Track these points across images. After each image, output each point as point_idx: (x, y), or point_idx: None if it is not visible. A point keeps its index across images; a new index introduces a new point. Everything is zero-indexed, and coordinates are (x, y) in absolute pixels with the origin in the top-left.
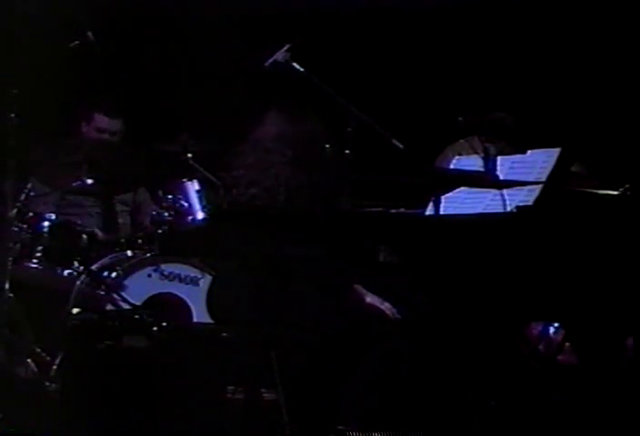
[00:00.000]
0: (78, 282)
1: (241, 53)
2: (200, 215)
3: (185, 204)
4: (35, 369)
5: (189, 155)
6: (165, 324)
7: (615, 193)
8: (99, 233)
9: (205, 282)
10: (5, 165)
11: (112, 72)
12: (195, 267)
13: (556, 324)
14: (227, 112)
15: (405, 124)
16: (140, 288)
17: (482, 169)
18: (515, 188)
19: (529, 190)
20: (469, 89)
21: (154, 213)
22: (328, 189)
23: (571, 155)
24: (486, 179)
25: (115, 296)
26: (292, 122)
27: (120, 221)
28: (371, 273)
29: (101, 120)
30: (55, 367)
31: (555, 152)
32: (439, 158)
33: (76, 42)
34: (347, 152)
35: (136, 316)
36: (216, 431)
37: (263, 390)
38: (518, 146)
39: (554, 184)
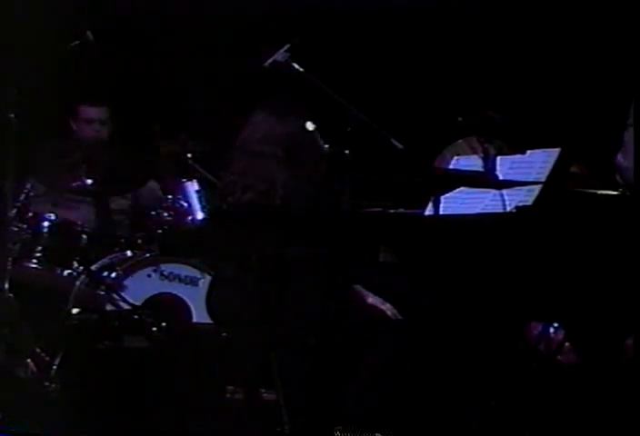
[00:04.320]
0: (78, 283)
1: (241, 53)
2: (200, 215)
3: (185, 204)
4: (35, 369)
5: (189, 155)
6: (164, 324)
7: (615, 193)
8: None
9: (205, 282)
10: (5, 165)
11: (111, 72)
12: (195, 267)
13: (556, 324)
14: (227, 112)
15: (404, 124)
16: (140, 288)
17: (481, 169)
18: (514, 188)
19: (528, 190)
20: (468, 89)
21: (153, 212)
22: (325, 188)
23: (571, 155)
24: (486, 179)
25: (115, 296)
26: (277, 121)
27: (119, 220)
28: (371, 273)
29: (86, 110)
30: (55, 367)
31: (555, 152)
32: (438, 159)
33: (76, 42)
34: (347, 152)
35: (136, 316)
36: (216, 431)
37: (262, 390)
38: (517, 146)
39: (553, 185)
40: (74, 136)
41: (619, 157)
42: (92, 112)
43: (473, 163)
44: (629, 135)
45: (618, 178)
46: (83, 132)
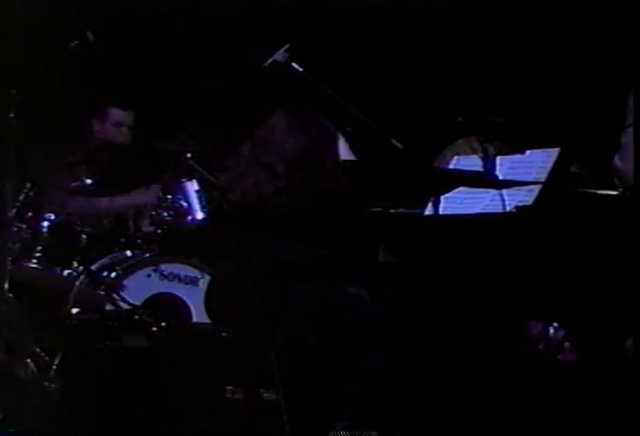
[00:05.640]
0: (78, 283)
1: (241, 53)
2: (200, 215)
3: (185, 204)
4: (35, 369)
5: (189, 155)
6: (164, 324)
7: (615, 193)
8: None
9: (205, 282)
10: (5, 165)
11: (111, 72)
12: (195, 267)
13: (556, 324)
14: (227, 112)
15: (404, 124)
16: (140, 288)
17: (481, 169)
18: (514, 188)
19: (528, 190)
20: (468, 89)
21: (152, 212)
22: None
23: (570, 155)
24: (486, 179)
25: (115, 296)
26: (291, 135)
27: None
28: (371, 273)
29: (117, 114)
30: (54, 367)
31: (555, 152)
32: (438, 158)
33: (76, 42)
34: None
35: (136, 316)
36: (216, 431)
37: (262, 390)
38: (517, 146)
39: (553, 185)
40: (93, 136)
41: (616, 159)
42: (123, 115)
43: (473, 162)
44: (625, 138)
45: (616, 181)
46: (108, 134)
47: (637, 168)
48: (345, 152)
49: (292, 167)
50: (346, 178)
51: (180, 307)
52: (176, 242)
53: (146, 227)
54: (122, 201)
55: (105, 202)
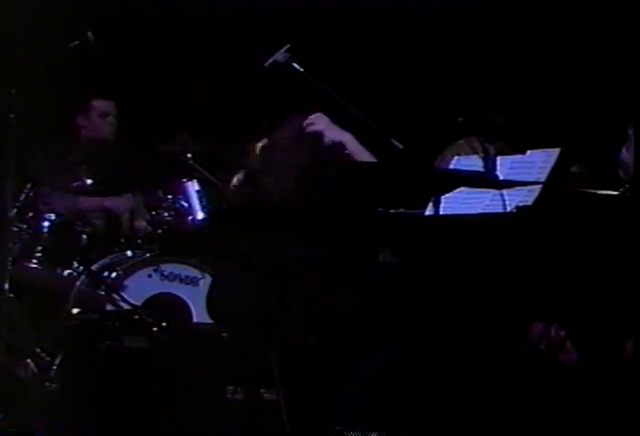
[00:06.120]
0: (78, 283)
1: (241, 53)
2: (200, 215)
3: (185, 204)
4: (35, 369)
5: (189, 155)
6: (164, 324)
7: (615, 193)
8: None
9: (205, 282)
10: (5, 165)
11: (111, 72)
12: (195, 267)
13: (556, 324)
14: (227, 111)
15: (404, 124)
16: (140, 288)
17: (481, 169)
18: (514, 188)
19: (529, 190)
20: (469, 90)
21: (153, 212)
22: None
23: (571, 155)
24: (486, 179)
25: (115, 296)
26: (307, 152)
27: (123, 220)
28: (371, 273)
29: (100, 104)
30: (54, 367)
31: (555, 152)
32: (439, 159)
33: (76, 42)
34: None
35: (136, 316)
36: (216, 431)
37: (263, 390)
38: (517, 146)
39: (553, 185)
40: (81, 134)
41: (623, 151)
42: (106, 105)
43: (473, 162)
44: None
45: (621, 174)
46: (96, 127)
47: (637, 169)
48: (355, 147)
49: (302, 175)
50: (349, 179)
51: (180, 307)
52: (177, 242)
53: (142, 228)
54: (89, 203)
55: (80, 200)
